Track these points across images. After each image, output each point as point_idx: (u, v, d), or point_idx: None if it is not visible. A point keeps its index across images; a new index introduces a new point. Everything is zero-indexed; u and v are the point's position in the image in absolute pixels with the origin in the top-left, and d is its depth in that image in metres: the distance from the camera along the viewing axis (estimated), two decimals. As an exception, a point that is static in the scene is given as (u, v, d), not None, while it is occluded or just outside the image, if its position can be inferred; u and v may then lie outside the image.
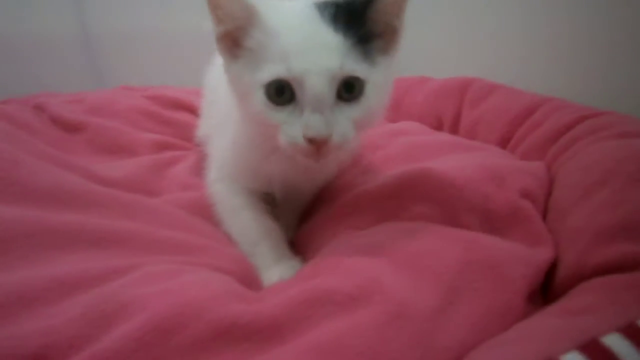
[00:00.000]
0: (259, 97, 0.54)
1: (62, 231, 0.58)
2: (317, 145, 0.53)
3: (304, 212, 0.79)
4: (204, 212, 0.73)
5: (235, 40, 0.57)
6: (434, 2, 1.36)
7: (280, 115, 0.55)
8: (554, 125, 0.82)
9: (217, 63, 0.82)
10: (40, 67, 1.45)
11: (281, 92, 0.54)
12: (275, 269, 0.62)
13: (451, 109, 1.11)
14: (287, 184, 0.72)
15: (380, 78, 0.57)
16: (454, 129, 1.09)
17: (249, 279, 0.60)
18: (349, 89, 0.54)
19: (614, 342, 0.36)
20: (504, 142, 0.94)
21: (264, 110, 0.55)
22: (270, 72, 0.53)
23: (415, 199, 0.66)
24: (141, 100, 1.20)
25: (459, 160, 0.73)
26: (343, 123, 0.54)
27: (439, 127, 1.13)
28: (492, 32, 1.26)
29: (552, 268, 0.57)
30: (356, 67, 0.53)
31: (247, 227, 0.69)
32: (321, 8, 0.55)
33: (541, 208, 0.65)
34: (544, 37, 1.11)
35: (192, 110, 1.19)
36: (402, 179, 0.68)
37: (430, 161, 0.77)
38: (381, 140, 0.90)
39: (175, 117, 1.17)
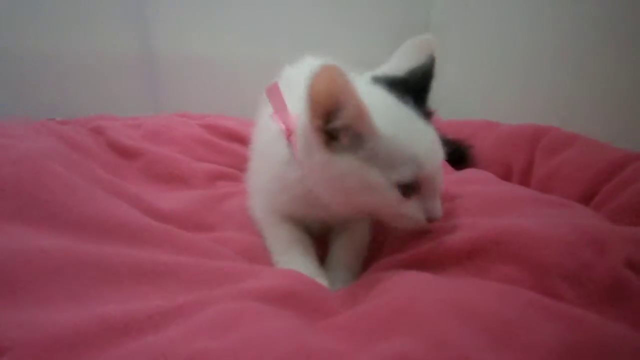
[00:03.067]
0: (393, 194, 0.60)
1: (108, 264, 0.55)
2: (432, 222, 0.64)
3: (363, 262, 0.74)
4: (259, 257, 0.70)
5: (331, 136, 0.59)
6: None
7: (407, 204, 0.62)
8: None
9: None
10: (99, 88, 1.46)
11: (407, 187, 0.61)
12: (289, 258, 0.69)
13: (522, 157, 1.04)
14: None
15: None
16: (525, 180, 1.02)
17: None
18: None
19: None
20: (586, 199, 0.85)
21: (394, 203, 0.61)
22: (406, 174, 0.59)
23: (501, 258, 0.59)
24: (197, 129, 1.18)
25: (546, 218, 0.66)
26: None
27: (507, 176, 1.05)
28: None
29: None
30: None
31: (279, 236, 0.74)
32: (398, 96, 0.63)
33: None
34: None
35: (245, 140, 1.17)
36: (486, 234, 0.61)
37: (511, 216, 0.69)
38: (449, 187, 0.83)
39: (230, 147, 1.14)
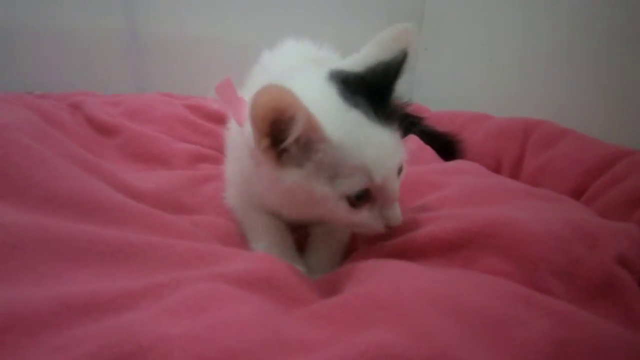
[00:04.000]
0: (341, 205, 0.57)
1: (74, 241, 0.51)
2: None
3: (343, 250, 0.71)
4: (237, 243, 0.67)
5: (282, 150, 0.55)
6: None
7: (359, 214, 0.58)
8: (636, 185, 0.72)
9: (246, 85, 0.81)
10: (82, 64, 1.41)
11: (358, 197, 0.56)
12: (261, 245, 0.67)
13: (513, 151, 1.02)
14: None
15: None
16: (515, 174, 1.00)
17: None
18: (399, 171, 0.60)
19: None
20: (576, 194, 0.83)
21: (344, 214, 0.57)
22: (355, 185, 0.55)
23: (488, 250, 0.57)
24: (180, 109, 1.14)
25: (537, 211, 0.64)
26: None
27: (497, 169, 1.03)
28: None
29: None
30: (403, 151, 0.60)
31: (255, 223, 0.71)
32: (351, 97, 0.57)
33: (638, 279, 0.54)
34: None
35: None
36: (473, 224, 0.59)
37: (501, 207, 0.67)
38: (437, 178, 0.81)
39: (215, 129, 1.10)
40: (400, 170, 0.60)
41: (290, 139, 0.52)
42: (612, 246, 0.55)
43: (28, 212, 0.57)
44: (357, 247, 0.70)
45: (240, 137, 0.64)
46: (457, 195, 0.74)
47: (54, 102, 1.05)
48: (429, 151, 1.02)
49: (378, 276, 0.51)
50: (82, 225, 0.57)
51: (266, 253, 0.63)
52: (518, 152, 1.01)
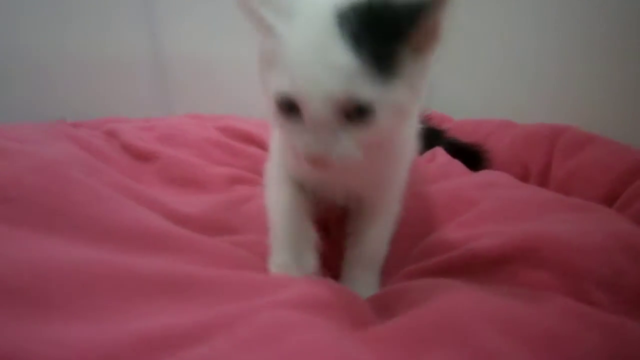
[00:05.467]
0: (273, 106, 0.52)
1: (141, 275, 0.54)
2: (314, 161, 0.52)
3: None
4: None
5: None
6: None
7: (287, 125, 0.53)
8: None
9: None
10: (109, 90, 1.45)
11: (286, 105, 0.50)
12: (281, 258, 0.64)
13: (540, 158, 1.03)
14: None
15: (402, 94, 0.51)
16: (543, 181, 1.01)
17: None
18: (357, 111, 0.49)
19: None
20: (608, 201, 0.85)
21: (275, 116, 0.53)
22: (276, 83, 0.50)
23: (531, 264, 0.59)
24: (213, 132, 1.17)
25: (576, 223, 0.65)
26: (346, 144, 0.51)
27: (525, 177, 1.05)
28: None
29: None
30: (365, 93, 0.48)
31: (283, 215, 0.68)
32: (347, 16, 0.49)
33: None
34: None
35: (261, 143, 1.16)
36: (516, 240, 0.61)
37: (539, 221, 0.69)
38: (471, 194, 0.83)
39: (247, 150, 1.13)
40: (361, 112, 0.49)
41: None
42: (654, 257, 0.56)
43: (89, 247, 0.60)
44: (399, 265, 0.71)
45: None
46: (493, 210, 0.76)
47: (89, 130, 1.09)
48: (457, 164, 1.04)
49: (433, 297, 0.53)
50: (142, 258, 0.59)
51: (320, 279, 0.61)
52: (545, 159, 1.02)
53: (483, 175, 0.97)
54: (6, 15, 1.30)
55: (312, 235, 0.67)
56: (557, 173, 0.98)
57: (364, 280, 0.70)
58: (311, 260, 0.64)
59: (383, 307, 0.57)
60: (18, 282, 0.50)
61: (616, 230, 0.60)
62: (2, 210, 0.63)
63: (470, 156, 1.10)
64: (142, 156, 1.01)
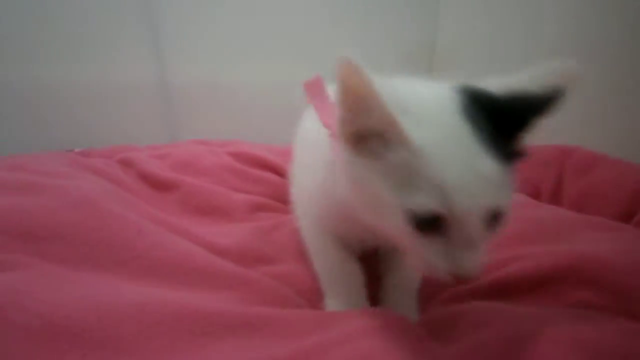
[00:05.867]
0: (399, 220, 0.47)
1: (202, 316, 0.54)
2: (459, 280, 0.48)
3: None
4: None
5: (362, 137, 0.48)
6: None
7: (421, 242, 0.48)
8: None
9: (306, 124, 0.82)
10: (114, 117, 1.44)
11: (427, 222, 0.46)
12: (335, 303, 0.65)
13: (551, 177, 1.07)
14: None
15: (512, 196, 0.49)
16: (556, 200, 1.04)
17: None
18: (491, 221, 0.47)
19: None
20: (623, 218, 0.88)
21: (406, 237, 0.48)
22: (422, 204, 0.45)
23: (576, 284, 0.61)
24: (226, 158, 1.17)
25: (611, 242, 0.68)
26: (483, 255, 0.48)
27: (537, 196, 1.08)
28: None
29: None
30: (507, 200, 0.47)
31: (328, 265, 0.70)
32: (478, 118, 0.47)
33: None
34: None
35: (275, 168, 1.17)
36: (559, 261, 0.63)
37: (573, 241, 0.71)
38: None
39: (264, 176, 1.13)
40: (496, 219, 0.48)
41: (359, 124, 0.47)
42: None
43: (144, 285, 0.59)
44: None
45: (318, 142, 0.63)
46: (523, 231, 0.78)
47: (103, 160, 1.08)
48: None
49: (493, 322, 0.54)
50: (195, 293, 0.59)
51: (369, 308, 0.63)
52: (556, 178, 1.06)
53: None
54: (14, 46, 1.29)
55: (361, 278, 0.68)
56: (570, 192, 1.02)
57: (404, 305, 0.69)
58: (363, 301, 0.66)
59: (437, 331, 0.58)
60: (83, 324, 0.49)
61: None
62: (48, 249, 0.62)
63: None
64: (161, 185, 1.01)
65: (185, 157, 1.13)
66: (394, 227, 0.49)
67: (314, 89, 0.62)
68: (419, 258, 0.49)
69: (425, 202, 0.45)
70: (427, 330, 0.60)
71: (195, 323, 0.52)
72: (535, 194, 1.09)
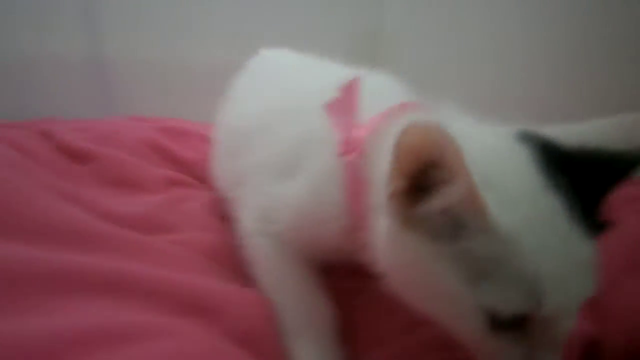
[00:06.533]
0: (471, 317, 0.39)
1: (72, 274, 0.53)
2: None
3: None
4: (223, 257, 0.69)
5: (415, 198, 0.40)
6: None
7: (496, 343, 0.40)
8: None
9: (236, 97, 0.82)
10: (49, 91, 1.42)
11: (509, 321, 0.39)
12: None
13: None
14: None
15: None
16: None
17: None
18: None
19: None
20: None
21: (474, 332, 0.41)
22: (509, 302, 0.37)
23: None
24: (150, 132, 1.16)
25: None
26: None
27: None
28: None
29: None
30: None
31: (293, 306, 0.57)
32: (554, 182, 0.39)
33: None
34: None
35: (204, 146, 1.16)
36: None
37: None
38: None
39: (186, 153, 1.13)
40: None
41: (434, 202, 0.38)
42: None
43: (21, 245, 0.58)
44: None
45: (321, 144, 0.56)
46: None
47: (23, 131, 1.06)
48: None
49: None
50: (76, 257, 0.59)
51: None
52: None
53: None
54: None
55: (332, 324, 0.57)
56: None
57: None
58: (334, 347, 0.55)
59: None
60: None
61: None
62: None
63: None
64: (77, 157, 0.99)
65: (107, 131, 1.12)
66: (460, 323, 0.42)
67: (350, 93, 0.53)
68: (486, 355, 0.42)
69: (512, 302, 0.37)
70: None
71: (59, 280, 0.52)
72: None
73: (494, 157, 0.41)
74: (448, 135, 0.34)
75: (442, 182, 0.37)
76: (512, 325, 0.39)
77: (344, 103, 0.53)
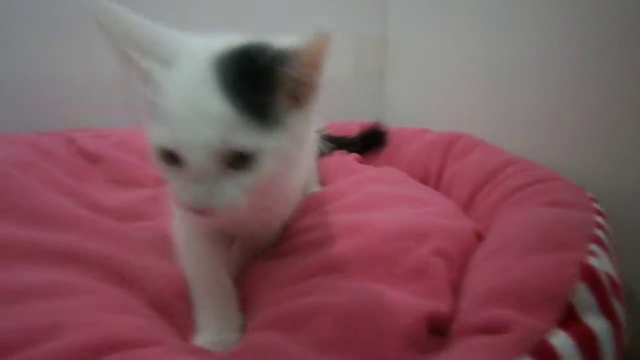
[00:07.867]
0: (152, 153, 0.54)
1: (29, 245, 0.68)
2: (196, 211, 0.53)
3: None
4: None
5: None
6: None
7: (169, 174, 0.54)
8: (506, 188, 0.85)
9: None
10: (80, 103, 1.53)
11: (168, 156, 0.52)
12: (207, 336, 0.62)
13: (437, 161, 1.16)
14: (236, 227, 0.75)
15: (283, 141, 0.54)
16: (437, 182, 1.13)
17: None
18: (238, 159, 0.52)
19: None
20: (471, 199, 0.97)
21: (157, 165, 0.54)
22: (156, 135, 0.52)
23: (343, 239, 0.73)
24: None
25: (401, 214, 0.79)
26: (230, 191, 0.53)
27: (426, 179, 1.17)
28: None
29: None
30: (244, 141, 0.51)
31: (199, 277, 0.69)
32: (223, 65, 0.52)
33: (456, 267, 0.68)
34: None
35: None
36: (340, 227, 0.75)
37: (379, 212, 0.82)
38: (349, 188, 0.97)
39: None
40: (244, 158, 0.52)
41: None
42: (434, 241, 0.69)
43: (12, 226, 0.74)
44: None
45: None
46: (358, 201, 0.89)
47: (54, 138, 1.27)
48: (349, 161, 1.23)
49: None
50: (41, 233, 0.74)
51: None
52: (441, 162, 1.15)
53: (373, 171, 1.13)
54: None
55: (234, 294, 0.69)
56: (446, 175, 1.10)
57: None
58: (237, 333, 0.63)
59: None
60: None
61: (417, 221, 0.74)
62: None
63: (371, 139, 1.37)
64: (91, 159, 1.19)
65: (123, 137, 1.31)
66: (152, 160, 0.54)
67: None
68: (172, 190, 0.55)
69: (157, 135, 0.52)
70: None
71: (17, 250, 0.67)
72: (426, 177, 1.18)
73: (195, 52, 0.54)
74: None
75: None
76: (174, 161, 0.52)
77: None
